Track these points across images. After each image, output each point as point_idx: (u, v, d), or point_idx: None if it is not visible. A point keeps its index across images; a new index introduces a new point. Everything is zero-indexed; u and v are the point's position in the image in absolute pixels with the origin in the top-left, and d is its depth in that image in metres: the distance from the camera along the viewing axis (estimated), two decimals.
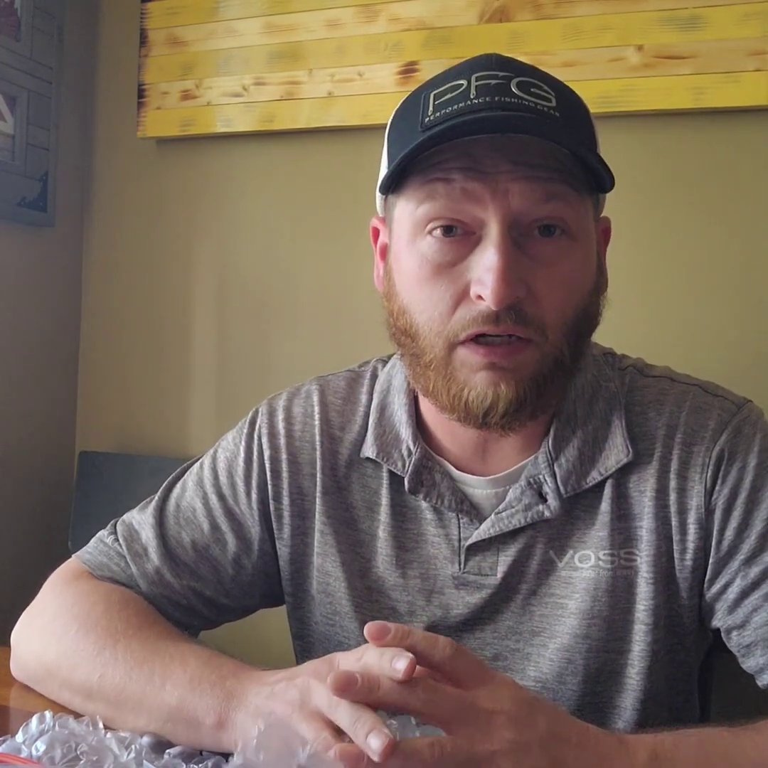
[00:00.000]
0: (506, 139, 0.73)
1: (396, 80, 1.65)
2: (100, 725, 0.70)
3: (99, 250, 1.97)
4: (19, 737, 0.68)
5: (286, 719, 0.62)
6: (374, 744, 0.54)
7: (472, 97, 0.73)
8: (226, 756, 0.68)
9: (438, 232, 0.75)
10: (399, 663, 0.57)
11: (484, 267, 0.72)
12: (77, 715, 0.73)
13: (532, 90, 0.74)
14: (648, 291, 1.53)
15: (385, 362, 0.93)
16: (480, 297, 0.73)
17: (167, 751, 0.68)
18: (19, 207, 1.78)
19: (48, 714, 0.70)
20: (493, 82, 0.73)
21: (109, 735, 0.69)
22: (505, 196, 0.72)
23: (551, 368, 0.76)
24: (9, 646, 0.86)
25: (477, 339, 0.74)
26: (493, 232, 0.73)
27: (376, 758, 0.54)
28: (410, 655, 0.58)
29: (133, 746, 0.67)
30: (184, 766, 0.66)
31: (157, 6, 1.86)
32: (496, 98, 0.72)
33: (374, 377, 0.92)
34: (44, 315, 1.90)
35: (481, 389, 0.75)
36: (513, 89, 0.73)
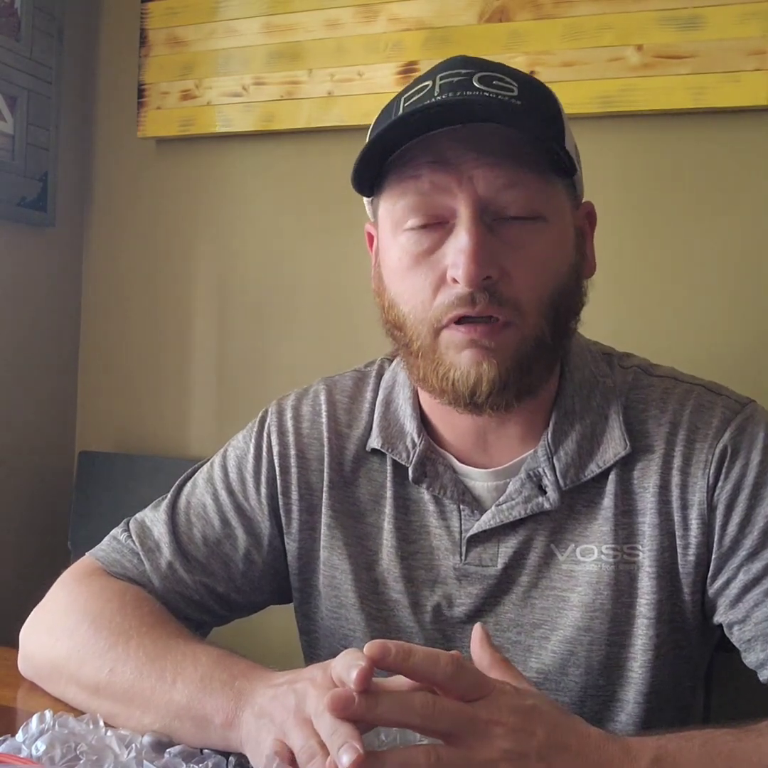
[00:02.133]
0: (470, 131, 0.75)
1: (396, 80, 1.65)
2: (101, 723, 0.70)
3: (99, 250, 1.97)
4: (19, 737, 0.68)
5: (284, 727, 0.62)
6: (344, 759, 0.54)
7: (435, 94, 0.76)
8: (228, 756, 0.68)
9: (413, 225, 0.77)
10: (353, 674, 0.57)
11: (457, 249, 0.75)
12: (77, 714, 0.73)
13: (493, 82, 0.76)
14: (648, 290, 1.53)
15: (390, 360, 0.94)
16: (455, 279, 0.75)
17: (167, 750, 0.68)
18: (19, 207, 1.78)
19: (48, 713, 0.70)
20: (456, 78, 0.76)
21: (109, 734, 0.69)
22: (470, 182, 0.75)
23: (533, 349, 0.77)
24: (9, 645, 0.86)
25: (458, 321, 0.76)
26: (463, 217, 0.75)
27: None
28: (362, 663, 0.57)
29: (133, 745, 0.67)
30: (184, 765, 0.66)
31: (157, 6, 1.86)
32: (458, 93, 0.75)
33: (380, 375, 0.93)
34: (44, 315, 1.90)
35: (464, 368, 0.76)
36: (474, 83, 0.75)
